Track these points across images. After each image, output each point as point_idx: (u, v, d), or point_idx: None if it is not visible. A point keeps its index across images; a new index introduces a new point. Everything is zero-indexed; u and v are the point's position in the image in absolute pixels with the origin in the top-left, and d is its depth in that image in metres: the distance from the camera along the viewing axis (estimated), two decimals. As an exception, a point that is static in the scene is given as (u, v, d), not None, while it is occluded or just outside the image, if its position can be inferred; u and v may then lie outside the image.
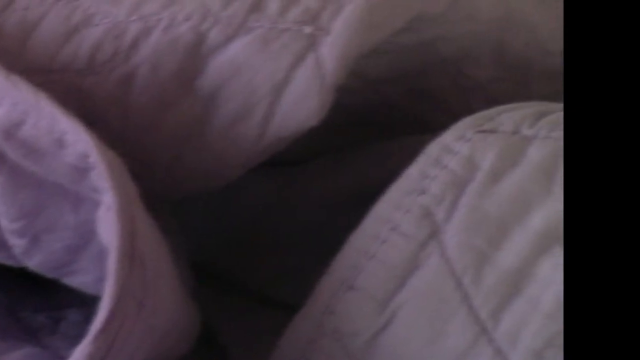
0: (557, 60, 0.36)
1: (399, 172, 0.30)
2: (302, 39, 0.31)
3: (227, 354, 0.36)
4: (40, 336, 0.34)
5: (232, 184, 0.33)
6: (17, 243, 0.30)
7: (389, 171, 0.30)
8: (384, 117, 0.37)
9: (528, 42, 0.36)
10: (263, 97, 0.31)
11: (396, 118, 0.37)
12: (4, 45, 0.32)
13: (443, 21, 0.34)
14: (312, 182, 0.38)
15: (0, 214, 0.30)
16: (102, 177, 0.28)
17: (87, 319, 0.27)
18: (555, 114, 0.30)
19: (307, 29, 0.31)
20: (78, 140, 0.28)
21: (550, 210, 0.28)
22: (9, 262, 0.31)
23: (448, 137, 0.30)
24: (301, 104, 0.31)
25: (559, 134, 0.29)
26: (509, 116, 0.30)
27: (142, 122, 0.31)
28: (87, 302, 0.32)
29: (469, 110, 0.31)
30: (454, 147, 0.30)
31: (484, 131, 0.30)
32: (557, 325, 0.27)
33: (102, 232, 0.28)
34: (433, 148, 0.30)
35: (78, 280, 0.31)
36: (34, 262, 0.31)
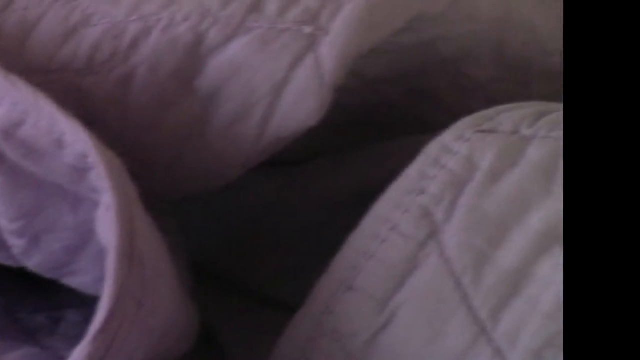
0: (556, 60, 0.36)
1: (399, 172, 0.30)
2: (301, 39, 0.31)
3: (226, 354, 0.36)
4: (40, 336, 0.34)
5: (232, 184, 0.33)
6: (16, 243, 0.30)
7: (389, 171, 0.30)
8: (383, 117, 0.37)
9: (528, 42, 0.36)
10: (262, 97, 0.31)
11: (396, 118, 0.37)
12: (3, 45, 0.32)
13: (443, 21, 0.34)
14: (312, 182, 0.38)
15: (-1, 214, 0.30)
16: (101, 177, 0.28)
17: (87, 319, 0.27)
18: (554, 114, 0.30)
19: (307, 29, 0.31)
20: (77, 140, 0.28)
21: (549, 210, 0.28)
22: (8, 263, 0.31)
23: (447, 137, 0.30)
24: (300, 104, 0.31)
25: (558, 133, 0.29)
26: (508, 116, 0.30)
27: (142, 122, 0.31)
28: (86, 303, 0.32)
29: (469, 110, 0.31)
30: (453, 147, 0.30)
31: (483, 131, 0.30)
32: (557, 325, 0.27)
33: (101, 232, 0.28)
34: (432, 148, 0.30)
35: (77, 280, 0.31)
36: (33, 263, 0.31)
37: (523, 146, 0.29)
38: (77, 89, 0.31)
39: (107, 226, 0.28)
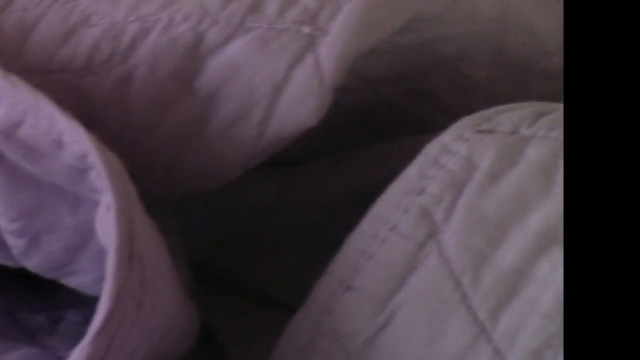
0: (556, 60, 0.36)
1: (399, 172, 0.30)
2: (300, 39, 0.31)
3: (226, 354, 0.36)
4: (39, 337, 0.34)
5: (232, 184, 0.33)
6: (16, 243, 0.30)
7: (389, 171, 0.30)
8: (383, 117, 0.37)
9: (527, 42, 0.36)
10: (262, 97, 0.31)
11: (396, 118, 0.37)
12: (3, 45, 0.32)
13: (443, 21, 0.34)
14: (312, 182, 0.38)
15: (-1, 214, 0.30)
16: (100, 177, 0.28)
17: (87, 319, 0.27)
18: (553, 114, 0.30)
19: (306, 29, 0.31)
20: (76, 140, 0.28)
21: (548, 210, 0.28)
22: (7, 263, 0.31)
23: (446, 137, 0.30)
24: (300, 104, 0.31)
25: (558, 133, 0.29)
26: (507, 116, 0.30)
27: (141, 122, 0.31)
28: (86, 303, 0.32)
29: (468, 111, 0.31)
30: (453, 147, 0.30)
31: (482, 131, 0.30)
32: (556, 325, 0.27)
33: (100, 232, 0.28)
34: (432, 148, 0.30)
35: (77, 280, 0.31)
36: (33, 263, 0.31)
37: (522, 146, 0.29)
38: (76, 89, 0.31)
39: (107, 226, 0.28)
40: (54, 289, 0.33)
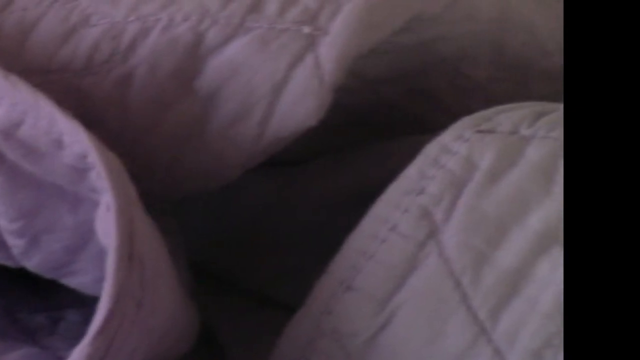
0: (556, 60, 0.36)
1: (399, 172, 0.30)
2: (300, 39, 0.31)
3: (226, 354, 0.36)
4: (39, 337, 0.34)
5: (232, 184, 0.33)
6: (16, 243, 0.30)
7: (389, 171, 0.30)
8: (383, 117, 0.37)
9: (527, 42, 0.36)
10: (262, 97, 0.31)
11: (396, 118, 0.37)
12: (3, 45, 0.32)
13: (442, 21, 0.34)
14: (312, 182, 0.38)
15: (-1, 214, 0.30)
16: (100, 177, 0.28)
17: (87, 319, 0.27)
18: (553, 114, 0.30)
19: (306, 29, 0.31)
20: (76, 140, 0.28)
21: (548, 210, 0.28)
22: (7, 263, 0.31)
23: (446, 137, 0.30)
24: (300, 104, 0.31)
25: (558, 133, 0.29)
26: (507, 116, 0.30)
27: (141, 122, 0.32)
28: (86, 303, 0.32)
29: (468, 111, 0.31)
30: (453, 147, 0.30)
31: (482, 131, 0.30)
32: (556, 325, 0.27)
33: (100, 232, 0.28)
34: (431, 148, 0.30)
35: (77, 280, 0.31)
36: (33, 263, 0.31)
37: (522, 146, 0.29)
38: (76, 89, 0.31)
39: (107, 226, 0.28)
40: (54, 289, 0.33)
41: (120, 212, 0.27)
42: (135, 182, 0.29)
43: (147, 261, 0.28)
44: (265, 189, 0.38)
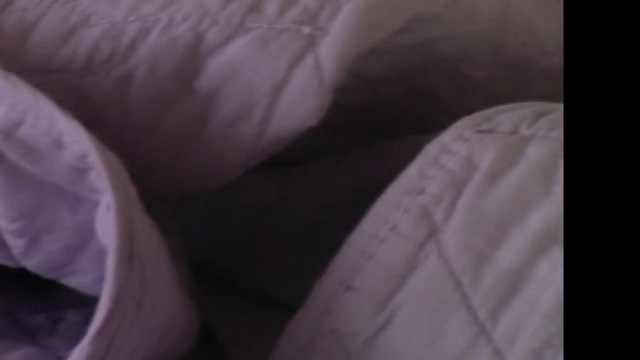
0: (556, 60, 0.36)
1: (399, 172, 0.30)
2: (300, 39, 0.31)
3: (226, 354, 0.36)
4: (39, 337, 0.34)
5: (232, 184, 0.33)
6: (16, 243, 0.30)
7: (389, 171, 0.30)
8: (383, 117, 0.37)
9: (527, 42, 0.36)
10: (262, 97, 0.31)
11: (396, 118, 0.37)
12: (3, 45, 0.32)
13: (442, 21, 0.34)
14: (312, 182, 0.38)
15: (-1, 214, 0.30)
16: (100, 177, 0.28)
17: (87, 319, 0.27)
18: (553, 114, 0.30)
19: (306, 29, 0.31)
20: (76, 140, 0.28)
21: (548, 210, 0.28)
22: (7, 263, 0.31)
23: (446, 137, 0.30)
24: (300, 104, 0.31)
25: (558, 133, 0.29)
26: (507, 116, 0.30)
27: (141, 122, 0.32)
28: (86, 303, 0.32)
29: (469, 110, 0.31)
30: (453, 147, 0.30)
31: (482, 131, 0.30)
32: (556, 325, 0.27)
33: (100, 232, 0.28)
34: (431, 148, 0.30)
35: (77, 280, 0.31)
36: (33, 263, 0.31)
37: (522, 146, 0.29)
38: (76, 89, 0.31)
39: (107, 226, 0.28)
40: (54, 289, 0.33)
41: (120, 212, 0.27)
42: (135, 182, 0.29)
43: (147, 261, 0.28)
44: (265, 189, 0.38)
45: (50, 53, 0.31)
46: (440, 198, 0.29)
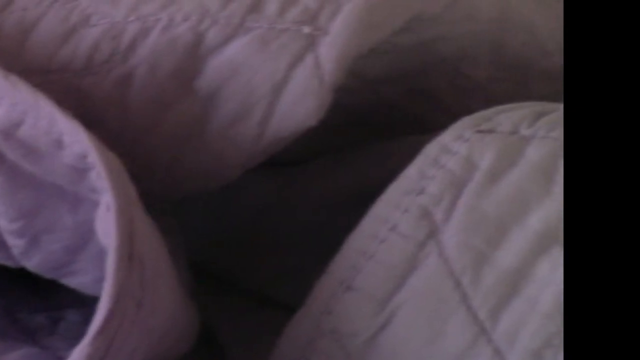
0: (556, 60, 0.36)
1: (399, 172, 0.30)
2: (300, 39, 0.31)
3: (226, 354, 0.36)
4: (39, 337, 0.34)
5: (232, 184, 0.33)
6: (16, 243, 0.30)
7: (389, 171, 0.30)
8: (383, 117, 0.37)
9: (527, 42, 0.36)
10: (262, 97, 0.31)
11: (396, 118, 0.37)
12: (3, 45, 0.32)
13: (442, 21, 0.34)
14: (312, 182, 0.38)
15: (-1, 214, 0.30)
16: (100, 177, 0.28)
17: (87, 319, 0.27)
18: (553, 114, 0.30)
19: (306, 29, 0.31)
20: (76, 140, 0.28)
21: (548, 210, 0.28)
22: (7, 263, 0.31)
23: (446, 137, 0.30)
24: (300, 104, 0.31)
25: (558, 133, 0.29)
26: (507, 116, 0.30)
27: (141, 122, 0.32)
28: (86, 303, 0.32)
29: (469, 110, 0.31)
30: (453, 147, 0.30)
31: (482, 131, 0.30)
32: (556, 325, 0.27)
33: (100, 232, 0.28)
34: (431, 148, 0.30)
35: (77, 280, 0.31)
36: (33, 263, 0.31)
37: (522, 146, 0.29)
38: (76, 89, 0.31)
39: (107, 226, 0.28)
40: (54, 289, 0.33)
41: (120, 212, 0.27)
42: (135, 182, 0.29)
43: (147, 261, 0.28)
44: (265, 189, 0.38)
45: (50, 53, 0.31)
46: (440, 198, 0.29)
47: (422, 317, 0.28)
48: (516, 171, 0.29)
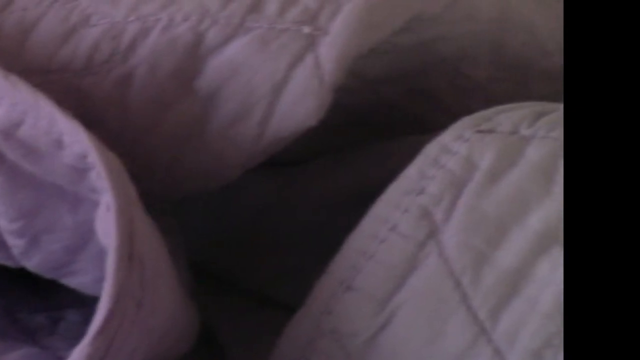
0: (556, 60, 0.36)
1: (399, 172, 0.30)
2: (300, 39, 0.31)
3: (226, 354, 0.36)
4: (39, 337, 0.34)
5: (232, 184, 0.33)
6: (16, 243, 0.30)
7: (389, 171, 0.30)
8: (383, 117, 0.37)
9: (527, 42, 0.36)
10: (262, 97, 0.31)
11: (396, 118, 0.37)
12: (3, 45, 0.32)
13: (442, 21, 0.34)
14: (312, 182, 0.38)
15: (-1, 214, 0.30)
16: (100, 177, 0.28)
17: (87, 319, 0.27)
18: (553, 114, 0.30)
19: (306, 29, 0.31)
20: (76, 140, 0.28)
21: (548, 210, 0.28)
22: (7, 263, 0.31)
23: (446, 137, 0.30)
24: (300, 104, 0.31)
25: (558, 133, 0.29)
26: (507, 116, 0.30)
27: (141, 122, 0.32)
28: (86, 303, 0.32)
29: (469, 110, 0.31)
30: (453, 147, 0.30)
31: (482, 131, 0.30)
32: (555, 325, 0.27)
33: (100, 232, 0.28)
34: (431, 148, 0.30)
35: (77, 280, 0.31)
36: (33, 263, 0.31)
37: (522, 146, 0.29)
38: (76, 89, 0.31)
39: (107, 226, 0.28)
40: (54, 289, 0.33)
41: (120, 212, 0.27)
42: (135, 182, 0.29)
43: (147, 261, 0.28)
44: (265, 189, 0.38)
45: (50, 53, 0.31)
46: (440, 198, 0.29)
47: (422, 317, 0.28)
48: (516, 171, 0.29)
